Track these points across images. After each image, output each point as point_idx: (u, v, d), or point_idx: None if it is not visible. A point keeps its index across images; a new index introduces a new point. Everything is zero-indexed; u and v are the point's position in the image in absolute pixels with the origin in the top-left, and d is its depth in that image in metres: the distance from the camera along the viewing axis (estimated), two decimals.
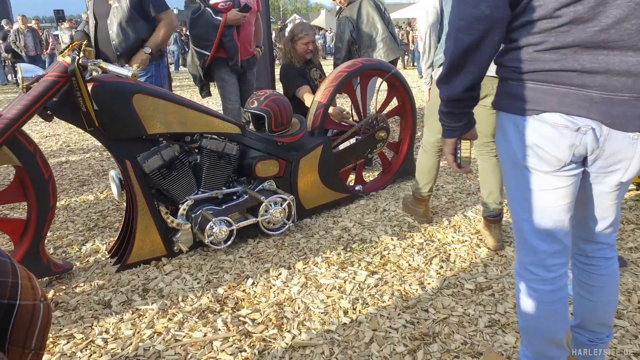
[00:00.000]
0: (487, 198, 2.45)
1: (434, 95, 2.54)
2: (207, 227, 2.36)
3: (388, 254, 2.43)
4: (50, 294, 2.17)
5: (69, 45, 2.33)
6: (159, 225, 2.41)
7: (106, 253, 2.55)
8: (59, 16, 16.16)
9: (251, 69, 3.69)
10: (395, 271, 2.25)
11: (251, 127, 2.88)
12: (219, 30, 3.29)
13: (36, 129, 6.15)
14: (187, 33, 5.97)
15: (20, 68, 2.08)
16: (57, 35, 12.58)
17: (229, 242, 2.46)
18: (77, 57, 2.00)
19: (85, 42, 2.04)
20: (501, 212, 2.46)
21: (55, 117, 2.15)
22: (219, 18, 3.28)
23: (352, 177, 3.39)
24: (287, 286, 2.16)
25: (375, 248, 2.49)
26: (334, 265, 2.33)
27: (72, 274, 2.34)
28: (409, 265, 2.31)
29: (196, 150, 2.50)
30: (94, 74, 2.11)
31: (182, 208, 2.42)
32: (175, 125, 2.35)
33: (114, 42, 2.98)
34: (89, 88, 2.10)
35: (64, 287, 2.23)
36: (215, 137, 2.51)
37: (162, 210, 2.36)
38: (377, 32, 3.74)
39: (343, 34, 3.78)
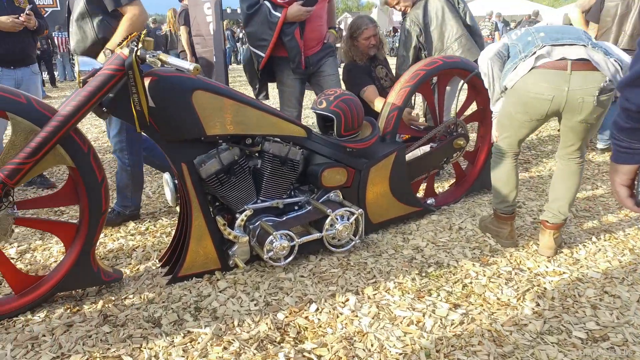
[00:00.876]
0: (551, 203, 2.28)
1: (508, 102, 2.23)
2: (267, 241, 2.12)
3: (471, 282, 2.10)
4: (99, 305, 2.01)
5: (127, 37, 2.16)
6: (214, 235, 2.20)
7: (157, 262, 2.36)
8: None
9: (327, 60, 3.19)
10: (482, 305, 1.93)
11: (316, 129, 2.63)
12: (276, 28, 2.95)
13: (96, 124, 6.18)
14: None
15: (78, 61, 1.91)
16: None
17: (290, 259, 2.21)
18: (135, 48, 1.81)
19: (144, 32, 1.84)
20: (563, 222, 2.29)
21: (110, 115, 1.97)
22: (278, 14, 2.94)
23: (421, 187, 3.07)
24: (357, 316, 1.88)
25: (454, 275, 2.17)
26: (408, 293, 2.03)
27: (122, 283, 2.17)
28: (498, 299, 1.97)
29: (256, 155, 2.27)
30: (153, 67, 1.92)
31: (240, 218, 2.19)
32: (236, 126, 2.12)
33: (71, 43, 2.58)
34: (146, 83, 1.91)
35: (113, 298, 2.06)
36: (278, 140, 2.27)
37: (219, 221, 2.14)
38: (450, 31, 3.35)
39: (408, 41, 3.40)
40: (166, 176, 2.27)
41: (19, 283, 2.00)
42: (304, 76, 3.20)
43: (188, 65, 1.76)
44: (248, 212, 2.20)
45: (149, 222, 2.86)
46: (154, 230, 2.73)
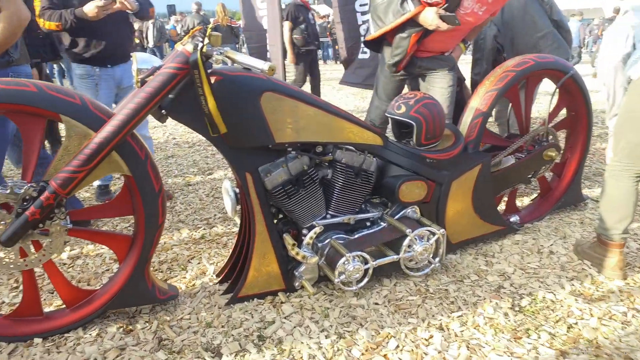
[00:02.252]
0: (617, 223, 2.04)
1: (632, 99, 1.87)
2: (339, 263, 1.88)
3: (576, 323, 1.79)
4: (153, 326, 1.83)
5: (189, 31, 1.95)
6: (278, 253, 1.98)
7: (214, 277, 2.17)
8: (171, 10, 16.80)
9: (441, 72, 2.72)
10: (598, 357, 1.61)
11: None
12: (399, 21, 2.52)
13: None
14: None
15: (136, 58, 1.72)
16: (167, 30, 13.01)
17: (363, 283, 1.96)
18: (201, 44, 1.60)
19: (211, 26, 1.63)
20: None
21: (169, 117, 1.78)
22: (410, 8, 2.48)
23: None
24: (444, 358, 1.61)
25: (554, 311, 1.86)
26: (502, 332, 1.74)
27: (178, 301, 1.99)
28: (617, 349, 1.65)
29: (326, 164, 2.03)
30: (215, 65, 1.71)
31: (309, 236, 1.96)
32: (308, 132, 1.89)
33: None
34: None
35: (168, 319, 1.88)
36: (352, 148, 2.02)
37: (288, 241, 1.91)
38: (533, 27, 2.98)
39: (484, 42, 3.07)
40: (226, 184, 2.07)
41: (71, 296, 1.86)
42: (404, 75, 2.85)
43: (262, 64, 1.53)
44: (317, 230, 1.96)
45: (204, 229, 2.67)
46: (209, 240, 2.54)
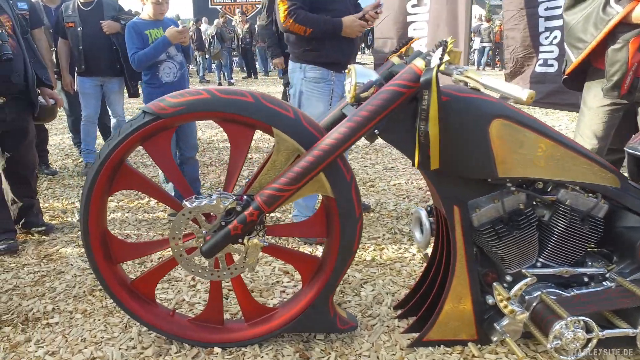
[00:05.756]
0: None
1: None
2: (555, 327, 1.56)
3: None
4: (331, 358, 1.69)
5: (407, 42, 1.75)
6: (476, 299, 1.72)
7: (392, 309, 1.98)
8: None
9: None
10: None
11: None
12: (606, 29, 2.09)
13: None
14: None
15: (355, 70, 1.56)
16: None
17: (582, 354, 1.62)
18: (440, 61, 1.37)
19: (451, 41, 1.39)
20: None
21: (379, 138, 1.60)
22: (617, 9, 2.07)
23: None
24: None
25: None
26: None
27: (355, 332, 1.83)
28: None
29: (544, 204, 1.71)
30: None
31: (518, 287, 1.67)
32: (536, 167, 1.59)
33: None
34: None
35: (346, 352, 1.73)
36: (579, 189, 1.68)
37: (500, 292, 1.64)
38: None
39: None
40: (421, 212, 1.85)
41: (251, 311, 1.80)
42: (621, 104, 2.32)
43: (518, 91, 1.26)
44: (529, 281, 1.66)
45: (374, 250, 2.50)
46: (381, 263, 2.36)
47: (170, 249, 1.65)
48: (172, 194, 3.02)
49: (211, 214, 1.61)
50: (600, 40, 2.13)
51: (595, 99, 2.34)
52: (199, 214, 1.60)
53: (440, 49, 1.41)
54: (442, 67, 1.38)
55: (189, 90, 1.59)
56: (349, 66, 1.61)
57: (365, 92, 1.57)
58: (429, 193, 3.45)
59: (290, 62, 2.82)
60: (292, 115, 1.54)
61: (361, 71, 1.56)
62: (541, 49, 3.93)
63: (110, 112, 4.20)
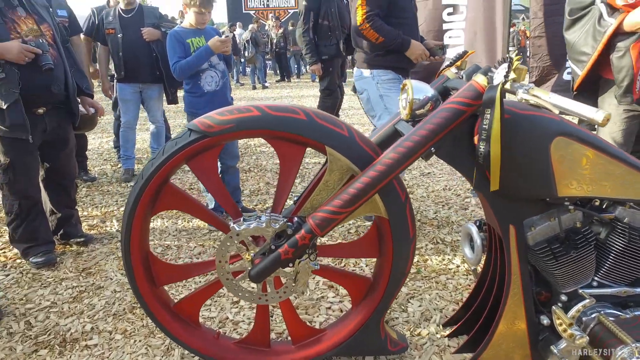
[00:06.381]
0: None
1: None
2: (619, 353, 1.51)
3: None
4: None
5: (462, 55, 1.70)
6: (530, 319, 1.67)
7: (441, 328, 1.93)
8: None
9: None
10: None
11: None
12: (603, 39, 2.21)
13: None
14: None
15: (412, 86, 1.51)
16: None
17: None
18: (505, 79, 1.32)
19: (517, 56, 1.34)
20: None
21: (435, 156, 1.55)
22: (610, 21, 2.21)
23: None
24: None
25: None
26: None
27: (405, 354, 1.78)
28: None
29: (600, 222, 1.66)
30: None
31: (576, 309, 1.62)
32: (595, 186, 1.54)
33: None
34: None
35: None
36: (635, 206, 1.62)
37: (561, 316, 1.59)
38: None
39: None
40: (472, 228, 1.79)
41: (299, 333, 1.75)
42: (637, 111, 2.34)
43: (592, 112, 1.20)
44: (588, 302, 1.61)
45: (418, 260, 2.44)
46: (426, 276, 2.30)
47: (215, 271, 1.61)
48: (213, 203, 3.00)
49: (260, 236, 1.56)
50: (601, 50, 2.24)
51: (611, 108, 2.37)
52: (247, 237, 1.55)
53: (505, 65, 1.35)
54: (507, 85, 1.32)
55: (237, 106, 1.54)
56: (404, 81, 1.56)
57: (421, 109, 1.52)
58: (467, 200, 3.40)
59: (356, 69, 3.00)
60: (346, 134, 1.49)
61: (417, 86, 1.51)
62: (567, 57, 3.86)
63: (149, 118, 4.16)
